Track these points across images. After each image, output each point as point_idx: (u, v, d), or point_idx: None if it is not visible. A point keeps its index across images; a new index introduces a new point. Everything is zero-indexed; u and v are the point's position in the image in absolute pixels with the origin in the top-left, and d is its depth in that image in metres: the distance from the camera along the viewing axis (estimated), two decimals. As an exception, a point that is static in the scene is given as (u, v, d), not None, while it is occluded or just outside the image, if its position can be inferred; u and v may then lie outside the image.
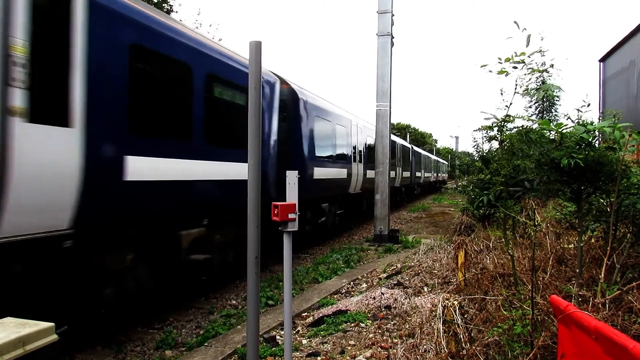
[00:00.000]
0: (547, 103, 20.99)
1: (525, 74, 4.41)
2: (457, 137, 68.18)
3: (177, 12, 22.87)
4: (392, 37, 14.62)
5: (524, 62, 4.23)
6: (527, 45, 4.14)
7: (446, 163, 72.63)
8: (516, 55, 4.22)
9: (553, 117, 20.36)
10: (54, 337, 2.47)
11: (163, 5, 20.81)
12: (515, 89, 4.44)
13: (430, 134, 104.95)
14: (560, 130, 3.91)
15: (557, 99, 21.28)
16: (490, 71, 4.36)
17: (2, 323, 2.44)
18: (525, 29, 4.14)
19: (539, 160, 4.03)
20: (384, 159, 14.67)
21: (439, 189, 57.47)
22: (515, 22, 4.15)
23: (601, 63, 29.02)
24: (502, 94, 4.54)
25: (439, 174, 59.04)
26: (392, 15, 14.55)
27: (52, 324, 2.48)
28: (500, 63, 4.30)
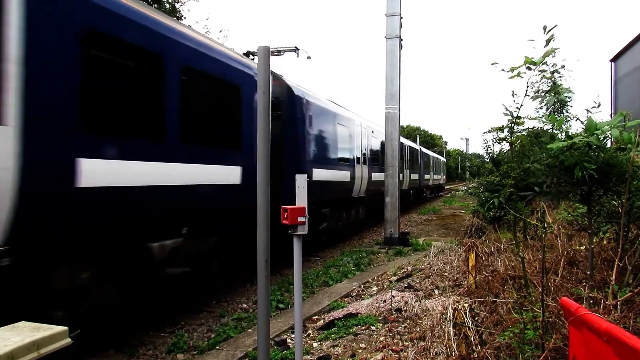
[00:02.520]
0: (558, 104, 20.81)
1: (536, 75, 4.40)
2: (467, 139, 67.46)
3: (185, 17, 23.04)
4: (401, 40, 14.62)
5: (536, 64, 4.21)
6: (546, 45, 4.11)
7: (442, 159, 50.79)
8: (530, 59, 4.20)
9: (564, 118, 20.16)
10: (68, 340, 2.51)
11: (174, 14, 20.97)
12: (526, 92, 4.43)
13: (440, 136, 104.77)
14: (571, 136, 3.88)
15: (569, 99, 21.08)
16: (503, 70, 4.34)
17: (16, 327, 2.49)
18: (555, 26, 4.07)
19: (549, 163, 4.01)
20: (393, 162, 14.65)
21: (427, 199, 38.15)
22: (544, 27, 4.11)
23: (612, 63, 28.76)
24: (513, 95, 4.53)
25: (427, 175, 35.95)
26: (401, 17, 14.55)
27: (66, 327, 2.52)
28: (511, 71, 4.28)
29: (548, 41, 4.14)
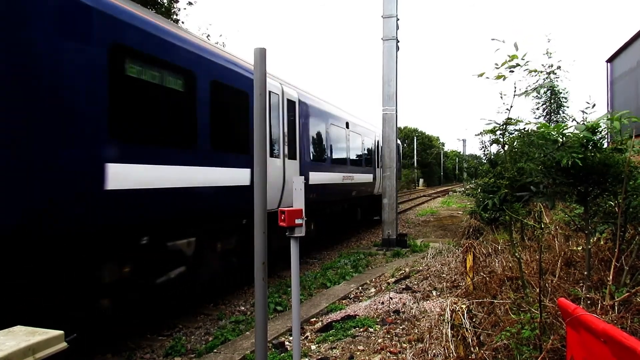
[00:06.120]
0: (555, 105, 20.84)
1: (525, 77, 4.41)
2: (464, 140, 67.33)
3: (183, 22, 23.03)
4: (398, 41, 14.65)
5: (520, 65, 4.22)
6: (517, 50, 4.15)
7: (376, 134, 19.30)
8: (509, 60, 4.21)
9: (561, 119, 20.20)
10: (64, 345, 2.50)
11: (169, 16, 20.97)
12: (515, 91, 4.42)
13: (438, 137, 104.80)
14: (561, 131, 3.89)
15: (565, 100, 21.12)
16: (487, 77, 4.35)
17: (12, 331, 2.47)
18: (504, 41, 4.18)
19: (545, 162, 4.01)
20: (391, 163, 14.67)
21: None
22: (493, 39, 4.19)
23: (608, 64, 28.86)
24: (502, 97, 4.53)
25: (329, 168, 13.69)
26: (397, 19, 14.57)
27: (62, 332, 2.51)
28: (497, 68, 4.29)
29: (516, 46, 4.17)
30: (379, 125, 18.79)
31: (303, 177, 4.26)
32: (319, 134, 12.89)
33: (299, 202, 4.09)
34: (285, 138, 10.24)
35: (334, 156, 14.11)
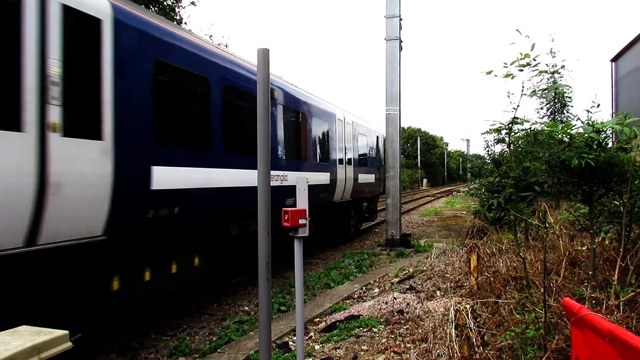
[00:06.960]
0: (559, 104, 20.82)
1: (533, 76, 4.40)
2: (468, 140, 67.26)
3: (186, 23, 23.07)
4: (401, 42, 14.63)
5: (530, 65, 4.21)
6: (532, 49, 4.14)
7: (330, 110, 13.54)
8: (521, 58, 4.20)
9: (565, 119, 20.17)
10: (69, 344, 2.50)
11: (172, 17, 21.00)
12: (522, 91, 4.42)
13: (441, 137, 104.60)
14: (569, 131, 3.88)
15: (569, 100, 21.09)
16: (496, 75, 4.34)
17: (17, 331, 2.48)
18: (527, 36, 4.16)
19: (549, 161, 4.00)
20: (394, 163, 14.65)
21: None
22: (517, 30, 4.17)
23: (613, 63, 28.72)
24: (509, 96, 4.52)
25: None
26: (400, 19, 14.56)
27: (67, 331, 2.51)
28: (506, 67, 4.28)
29: (532, 48, 4.16)
30: (345, 107, 15.19)
31: (306, 177, 4.25)
32: (188, 97, 7.08)
33: (302, 202, 4.10)
34: (51, 88, 4.67)
35: (237, 140, 8.22)
